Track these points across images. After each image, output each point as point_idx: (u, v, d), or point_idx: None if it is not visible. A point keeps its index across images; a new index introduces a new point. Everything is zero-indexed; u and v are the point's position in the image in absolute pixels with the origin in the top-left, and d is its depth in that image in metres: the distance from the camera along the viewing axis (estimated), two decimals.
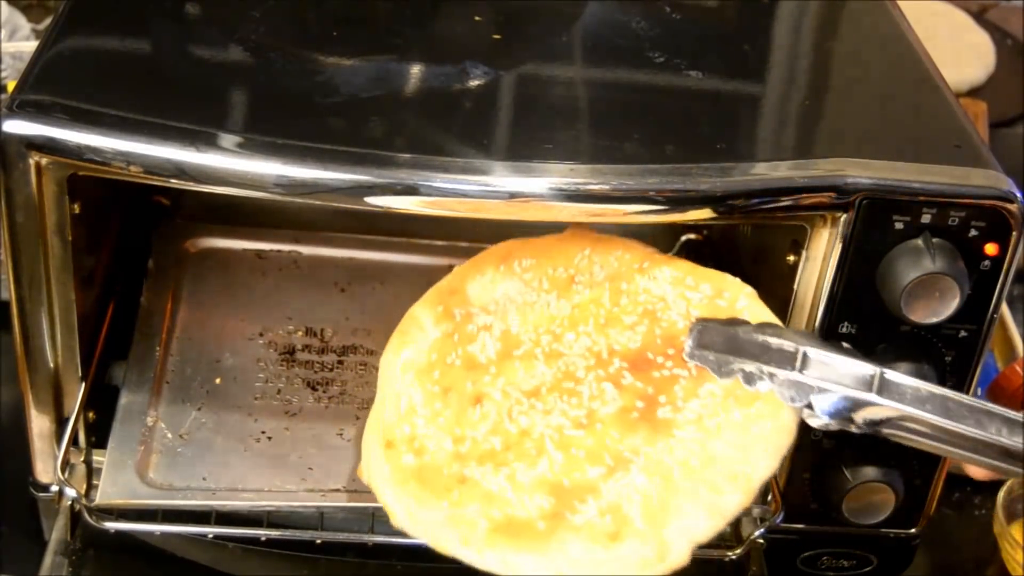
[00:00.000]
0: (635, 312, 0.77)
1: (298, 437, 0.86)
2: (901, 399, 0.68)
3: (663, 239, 1.05)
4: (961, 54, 1.48)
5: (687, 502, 0.68)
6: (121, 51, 0.80)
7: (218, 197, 0.74)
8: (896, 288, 0.74)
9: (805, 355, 0.70)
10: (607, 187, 0.72)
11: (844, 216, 0.74)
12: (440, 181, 0.71)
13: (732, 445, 0.70)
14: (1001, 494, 0.92)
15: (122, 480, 0.80)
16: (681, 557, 0.68)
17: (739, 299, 0.76)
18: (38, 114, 0.71)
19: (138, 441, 0.83)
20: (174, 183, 0.72)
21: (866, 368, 0.69)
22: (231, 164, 0.71)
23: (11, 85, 1.15)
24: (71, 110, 0.72)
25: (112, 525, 0.80)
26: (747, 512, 0.82)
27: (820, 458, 0.83)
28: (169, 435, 0.84)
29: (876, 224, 0.74)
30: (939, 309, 0.75)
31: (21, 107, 0.71)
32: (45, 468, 0.83)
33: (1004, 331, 1.10)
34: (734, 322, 0.74)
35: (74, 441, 0.82)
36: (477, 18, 0.87)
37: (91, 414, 0.84)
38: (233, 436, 0.85)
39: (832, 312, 0.77)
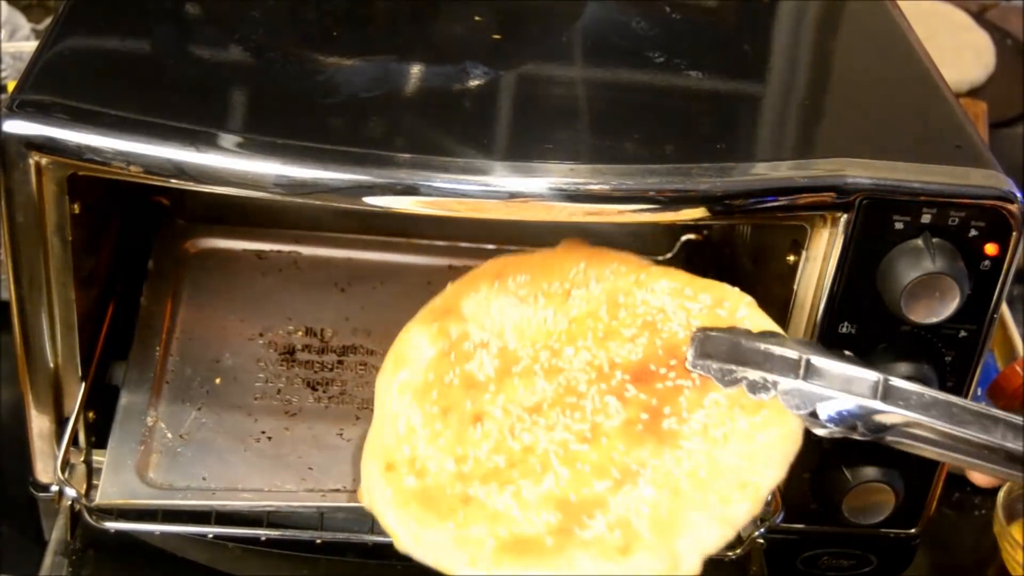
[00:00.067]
0: (634, 324, 0.76)
1: (298, 437, 0.86)
2: (906, 405, 0.68)
3: (663, 239, 1.05)
4: (961, 54, 1.48)
5: (696, 513, 0.68)
6: (121, 51, 0.80)
7: (218, 197, 0.74)
8: (896, 288, 0.74)
9: (808, 363, 0.70)
10: (607, 187, 0.72)
11: (844, 216, 0.74)
12: (440, 181, 0.71)
13: (739, 454, 0.70)
14: (1001, 494, 0.92)
15: (122, 480, 0.80)
16: (692, 568, 0.67)
17: (739, 309, 0.76)
18: (38, 114, 0.71)
19: (138, 441, 0.83)
20: (174, 183, 0.72)
21: (869, 375, 0.69)
22: (231, 164, 0.71)
23: (11, 85, 1.15)
24: (71, 110, 0.72)
25: (112, 525, 0.80)
26: None
27: (820, 458, 0.83)
28: (169, 435, 0.84)
29: (876, 224, 0.74)
30: (939, 309, 0.75)
31: (21, 107, 0.71)
32: (45, 468, 0.83)
33: (1004, 331, 1.10)
34: (735, 331, 0.73)
35: (74, 441, 0.82)
36: (477, 18, 0.87)
37: (91, 414, 0.84)
38: (233, 436, 0.85)
39: (832, 312, 0.77)
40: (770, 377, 0.71)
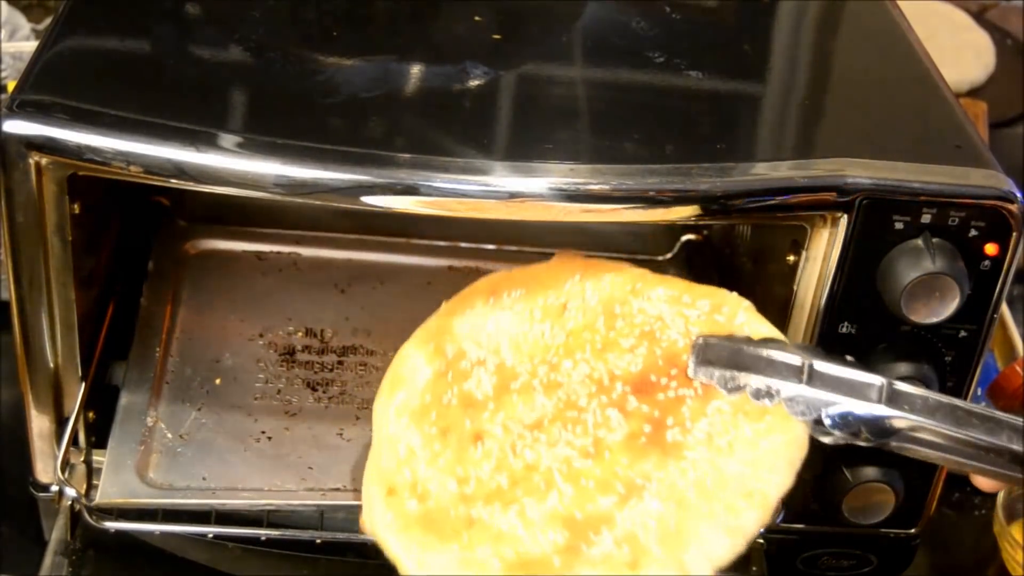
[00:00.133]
0: (633, 335, 0.75)
1: (298, 437, 0.86)
2: (911, 409, 0.67)
3: (663, 239, 1.05)
4: (961, 54, 1.48)
5: (705, 524, 0.67)
6: (121, 51, 0.80)
7: (218, 197, 0.74)
8: (896, 288, 0.74)
9: (811, 368, 0.70)
10: (607, 187, 0.72)
11: (844, 216, 0.74)
12: (440, 181, 0.71)
13: (745, 462, 0.69)
14: (1001, 494, 0.92)
15: (122, 480, 0.80)
16: None
17: (738, 314, 0.75)
18: (38, 114, 0.71)
19: (138, 441, 0.83)
20: (174, 183, 0.72)
21: (873, 379, 0.69)
22: (231, 164, 0.71)
23: (11, 85, 1.15)
24: (71, 110, 0.72)
25: (112, 525, 0.80)
26: None
27: (820, 458, 0.83)
28: (169, 435, 0.84)
29: (876, 224, 0.74)
30: (939, 309, 0.75)
31: (21, 107, 0.71)
32: (45, 468, 0.83)
33: (1004, 331, 1.10)
34: (736, 338, 0.73)
35: (74, 441, 0.82)
36: (477, 18, 0.87)
37: (91, 414, 0.84)
38: (233, 436, 0.85)
39: (832, 312, 0.77)
40: (773, 383, 0.70)
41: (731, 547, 0.67)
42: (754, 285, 0.78)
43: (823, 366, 0.70)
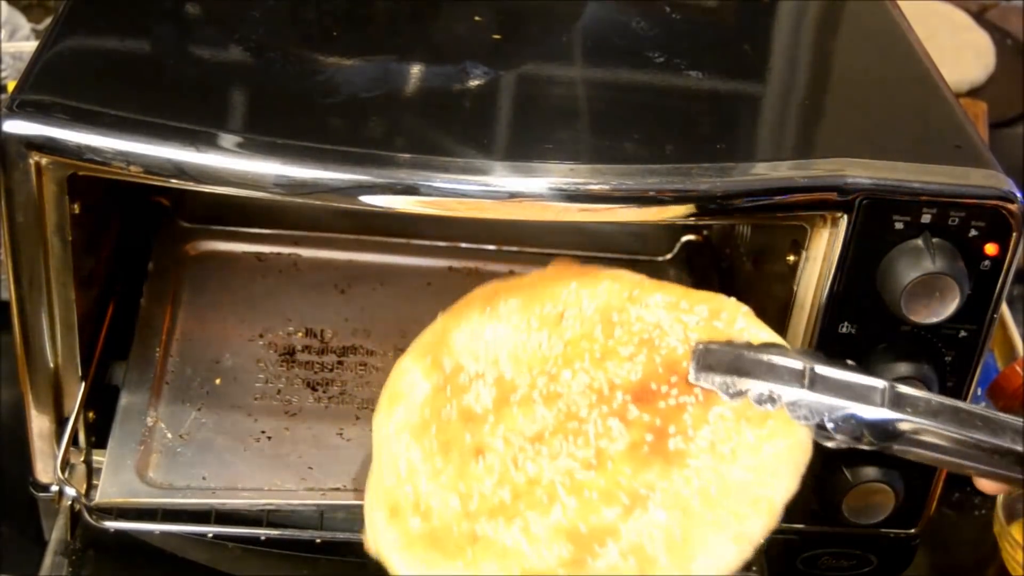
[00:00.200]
0: (631, 343, 0.74)
1: (298, 437, 0.86)
2: (914, 411, 0.67)
3: (663, 240, 1.05)
4: (961, 54, 1.48)
5: (711, 533, 0.66)
6: (121, 51, 0.80)
7: (218, 198, 0.74)
8: (896, 288, 0.74)
9: (813, 372, 0.69)
10: (607, 187, 0.72)
11: (844, 216, 0.74)
12: (440, 181, 0.71)
13: (749, 468, 0.68)
14: (1001, 494, 0.92)
15: (122, 480, 0.80)
16: None
17: (737, 319, 0.74)
18: (38, 114, 0.71)
19: (138, 441, 0.83)
20: (174, 183, 0.72)
21: (875, 382, 0.69)
22: (231, 164, 0.71)
23: (11, 85, 1.15)
24: (71, 110, 0.72)
25: (112, 525, 0.80)
26: None
27: (820, 458, 0.83)
28: (169, 435, 0.84)
29: (876, 224, 0.74)
30: (939, 309, 0.75)
31: (21, 107, 0.71)
32: (45, 468, 0.83)
33: (1004, 331, 1.10)
34: (735, 344, 0.72)
35: (74, 441, 0.82)
36: (477, 18, 0.87)
37: (91, 414, 0.84)
38: (233, 436, 0.85)
39: (832, 312, 0.77)
40: (775, 388, 0.69)
41: (738, 555, 0.67)
42: (754, 285, 0.78)
43: (825, 370, 0.69)
